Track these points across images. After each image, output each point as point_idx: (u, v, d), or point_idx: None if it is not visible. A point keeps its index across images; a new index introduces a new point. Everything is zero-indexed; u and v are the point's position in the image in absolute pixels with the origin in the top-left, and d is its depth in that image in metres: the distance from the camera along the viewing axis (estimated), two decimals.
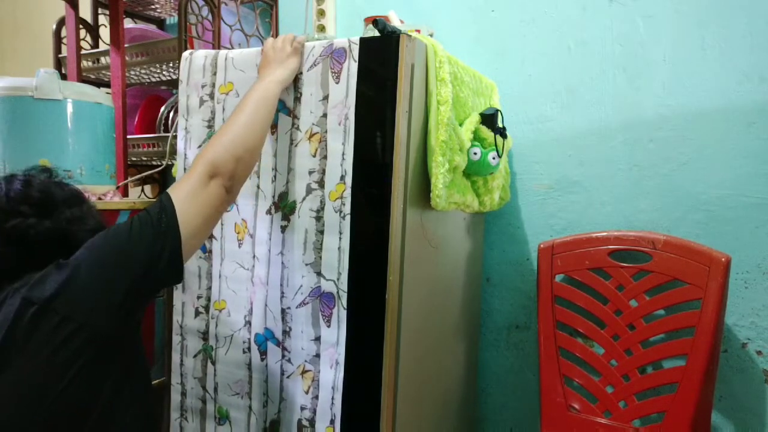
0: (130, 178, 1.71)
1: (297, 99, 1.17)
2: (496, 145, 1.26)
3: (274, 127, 1.20)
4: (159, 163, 1.78)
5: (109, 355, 0.84)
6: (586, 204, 1.54)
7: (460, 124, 1.23)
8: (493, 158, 1.25)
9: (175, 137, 1.35)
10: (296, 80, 1.17)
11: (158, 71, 1.79)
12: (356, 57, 1.10)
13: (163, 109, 1.79)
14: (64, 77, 1.76)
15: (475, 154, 1.23)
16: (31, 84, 1.30)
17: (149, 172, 1.81)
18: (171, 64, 1.71)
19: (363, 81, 1.10)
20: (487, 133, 1.26)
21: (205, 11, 1.68)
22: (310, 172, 1.15)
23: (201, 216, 0.94)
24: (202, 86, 1.28)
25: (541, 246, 1.47)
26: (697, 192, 1.40)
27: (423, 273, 1.22)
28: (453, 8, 1.69)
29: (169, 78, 1.84)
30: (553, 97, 1.56)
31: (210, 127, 1.28)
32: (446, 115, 1.13)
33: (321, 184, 1.14)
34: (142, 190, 2.08)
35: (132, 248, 0.86)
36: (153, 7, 2.01)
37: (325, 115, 1.14)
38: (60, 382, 0.79)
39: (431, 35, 1.39)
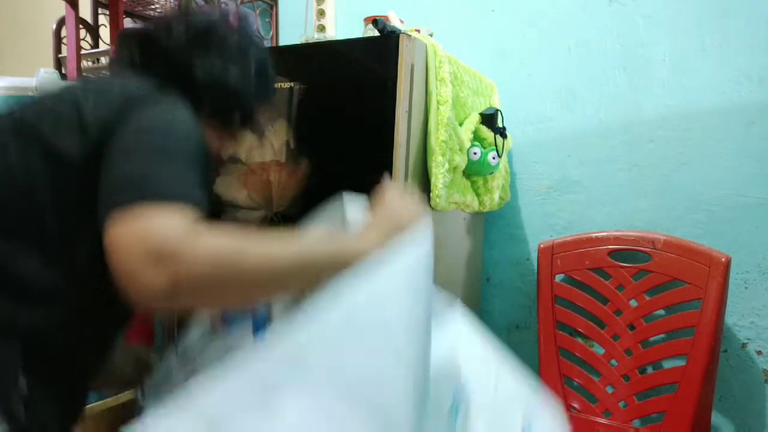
0: None
1: None
2: (496, 145, 1.26)
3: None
4: None
5: None
6: (586, 204, 1.53)
7: (460, 124, 1.23)
8: (493, 158, 1.25)
9: None
10: None
11: None
12: None
13: None
14: (64, 77, 1.76)
15: (475, 154, 1.23)
16: (31, 84, 1.30)
17: None
18: None
19: (363, 81, 1.10)
20: (487, 133, 1.26)
21: None
22: None
23: None
24: None
25: (541, 246, 1.47)
26: (697, 192, 1.40)
27: None
28: (453, 8, 1.69)
29: None
30: (553, 97, 1.56)
31: None
32: (446, 115, 1.13)
33: None
34: None
35: None
36: (153, 7, 2.01)
37: None
38: None
39: (431, 35, 1.38)
